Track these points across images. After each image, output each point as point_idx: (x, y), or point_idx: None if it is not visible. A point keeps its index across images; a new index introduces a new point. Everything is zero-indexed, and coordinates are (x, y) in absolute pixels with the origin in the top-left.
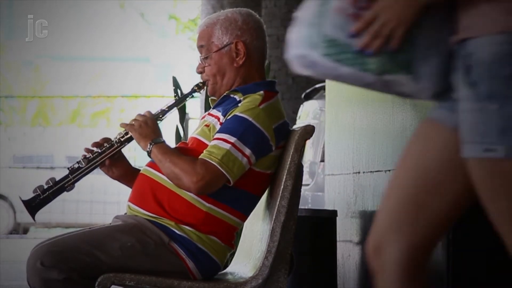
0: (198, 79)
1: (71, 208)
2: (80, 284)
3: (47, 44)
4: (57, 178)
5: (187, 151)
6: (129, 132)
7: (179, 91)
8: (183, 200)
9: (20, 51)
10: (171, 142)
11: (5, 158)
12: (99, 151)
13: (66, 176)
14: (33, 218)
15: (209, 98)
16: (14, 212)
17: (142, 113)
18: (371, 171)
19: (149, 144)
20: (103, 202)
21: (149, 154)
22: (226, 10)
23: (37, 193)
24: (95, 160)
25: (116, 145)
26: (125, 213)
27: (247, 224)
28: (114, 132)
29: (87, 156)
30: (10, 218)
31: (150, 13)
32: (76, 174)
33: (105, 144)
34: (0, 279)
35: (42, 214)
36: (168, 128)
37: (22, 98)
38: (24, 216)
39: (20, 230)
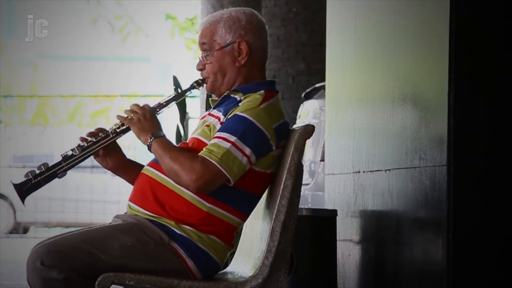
0: (197, 77)
1: (71, 207)
2: (80, 283)
3: (47, 43)
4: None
5: (187, 151)
6: (128, 126)
7: (179, 90)
8: (184, 200)
9: (20, 51)
10: (171, 141)
11: (5, 157)
12: (94, 140)
13: (59, 163)
14: (23, 202)
15: (209, 99)
16: (14, 211)
17: (141, 105)
18: (371, 171)
19: (149, 138)
20: (103, 201)
21: (149, 148)
22: (229, 9)
23: (29, 178)
24: (89, 149)
25: (111, 135)
26: (125, 213)
27: (247, 223)
28: None
29: (81, 145)
30: (10, 217)
31: (149, 14)
32: (69, 161)
33: (100, 134)
34: (0, 278)
35: (42, 214)
36: (168, 128)
37: (22, 98)
38: (24, 215)
39: (20, 229)
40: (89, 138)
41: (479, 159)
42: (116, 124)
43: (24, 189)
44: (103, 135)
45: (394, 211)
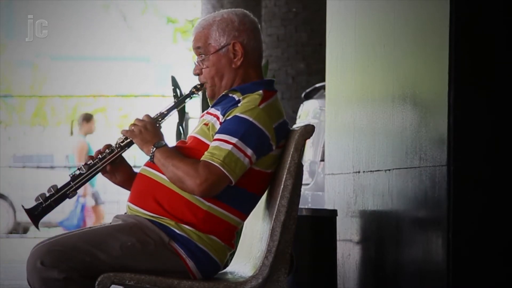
0: (196, 79)
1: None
2: (80, 283)
3: (46, 43)
4: (58, 183)
5: (186, 150)
6: (132, 139)
7: (178, 91)
8: (183, 199)
9: (19, 51)
10: (171, 142)
11: (5, 157)
12: (100, 157)
13: (68, 183)
14: (37, 226)
15: (208, 98)
16: (14, 211)
17: (141, 118)
18: (371, 171)
19: (151, 149)
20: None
21: (152, 158)
22: (221, 11)
23: (40, 201)
24: (96, 166)
25: (116, 150)
26: (125, 213)
27: (247, 223)
28: (113, 132)
29: (88, 163)
30: (10, 217)
31: (149, 15)
32: (77, 180)
33: (106, 150)
34: (0, 278)
35: None
36: (169, 128)
37: (21, 98)
38: (24, 215)
39: (20, 229)
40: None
41: (479, 159)
42: (120, 139)
43: (36, 213)
44: (108, 151)
45: (394, 211)
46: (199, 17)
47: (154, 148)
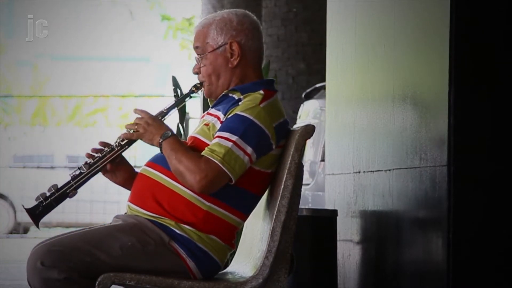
0: (195, 78)
1: (71, 207)
2: (80, 283)
3: (47, 43)
4: (59, 183)
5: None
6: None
7: (178, 91)
8: (183, 199)
9: (20, 51)
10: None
11: (5, 157)
12: (100, 155)
13: (68, 182)
14: (37, 226)
15: (208, 98)
16: (14, 211)
17: (139, 116)
18: (371, 171)
19: (159, 140)
20: (103, 201)
21: (162, 151)
22: (222, 11)
23: (40, 200)
24: (96, 165)
25: (116, 149)
26: (125, 213)
27: (248, 223)
28: (113, 132)
29: (87, 162)
30: (10, 217)
31: (149, 14)
32: (77, 179)
33: (105, 149)
34: (0, 279)
35: None
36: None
37: (22, 98)
38: (24, 215)
39: (20, 229)
40: (95, 154)
41: (479, 159)
42: (119, 137)
43: (37, 213)
44: (108, 150)
45: (394, 211)
46: (195, 15)
47: (162, 140)
